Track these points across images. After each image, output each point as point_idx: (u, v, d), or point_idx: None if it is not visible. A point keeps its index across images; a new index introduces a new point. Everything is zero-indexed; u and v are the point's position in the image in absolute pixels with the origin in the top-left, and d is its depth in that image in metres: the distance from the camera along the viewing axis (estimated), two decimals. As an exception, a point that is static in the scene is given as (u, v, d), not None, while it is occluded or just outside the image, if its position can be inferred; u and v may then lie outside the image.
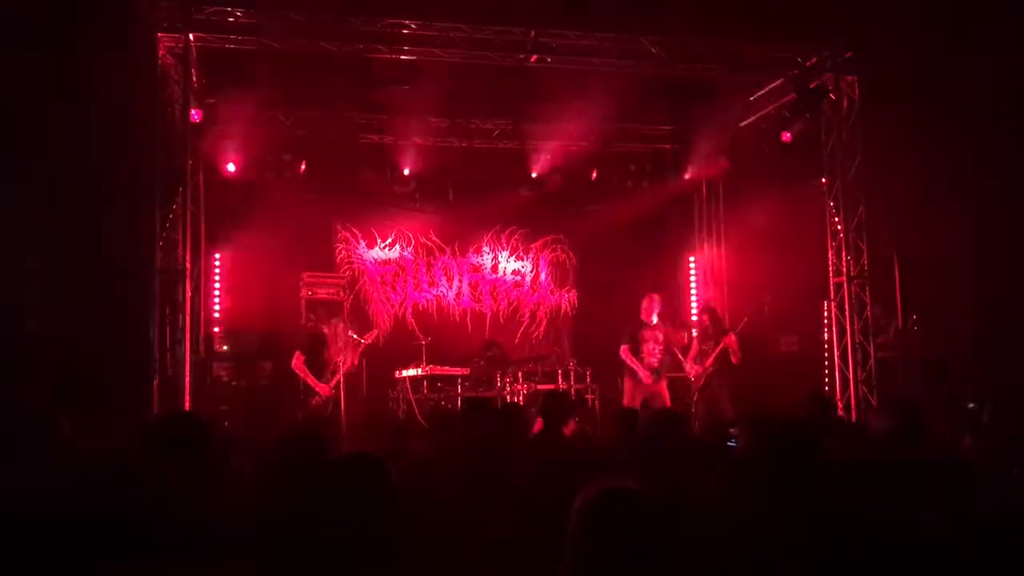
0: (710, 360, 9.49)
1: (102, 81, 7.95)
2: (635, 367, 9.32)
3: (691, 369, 9.67)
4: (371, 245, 11.90)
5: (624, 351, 9.39)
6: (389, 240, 11.96)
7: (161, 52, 8.57)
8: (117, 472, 2.82)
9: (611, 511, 2.11)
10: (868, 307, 9.39)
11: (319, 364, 8.43)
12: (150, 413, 8.07)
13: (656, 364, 9.38)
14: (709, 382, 9.49)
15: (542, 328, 12.46)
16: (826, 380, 9.93)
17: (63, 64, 7.89)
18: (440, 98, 10.14)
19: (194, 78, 8.73)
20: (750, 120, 10.94)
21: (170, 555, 2.64)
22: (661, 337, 9.46)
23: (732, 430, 5.88)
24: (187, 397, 8.21)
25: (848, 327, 9.40)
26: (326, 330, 8.68)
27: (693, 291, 12.77)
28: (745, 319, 9.72)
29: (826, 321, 10.12)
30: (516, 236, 12.51)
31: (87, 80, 7.92)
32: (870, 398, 9.21)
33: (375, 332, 9.54)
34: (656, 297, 9.68)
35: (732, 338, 9.42)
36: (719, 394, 9.36)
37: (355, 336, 8.89)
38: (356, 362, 8.78)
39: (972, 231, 8.78)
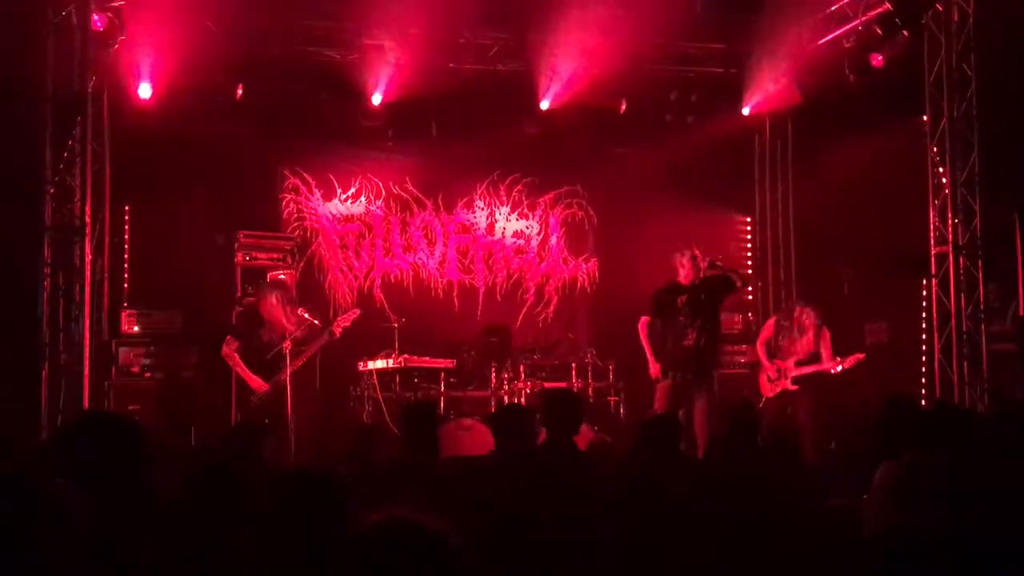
0: (793, 360, 9.23)
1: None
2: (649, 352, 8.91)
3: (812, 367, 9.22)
4: (328, 197, 11.89)
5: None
6: (352, 190, 11.96)
7: (52, -62, 8.50)
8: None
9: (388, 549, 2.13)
10: (980, 286, 9.37)
11: (258, 352, 8.36)
12: (38, 410, 8.08)
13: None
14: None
15: (552, 308, 12.48)
16: (923, 380, 9.94)
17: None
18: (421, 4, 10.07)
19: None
20: (829, 37, 10.85)
21: None
22: None
23: None
24: (86, 391, 8.24)
25: (953, 311, 9.39)
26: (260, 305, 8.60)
27: (748, 261, 12.75)
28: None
29: (925, 304, 10.11)
30: (519, 187, 12.52)
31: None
32: (979, 404, 9.20)
33: (356, 312, 9.18)
34: (693, 254, 9.06)
35: (827, 335, 9.20)
36: (798, 400, 9.19)
37: (307, 316, 8.75)
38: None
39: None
